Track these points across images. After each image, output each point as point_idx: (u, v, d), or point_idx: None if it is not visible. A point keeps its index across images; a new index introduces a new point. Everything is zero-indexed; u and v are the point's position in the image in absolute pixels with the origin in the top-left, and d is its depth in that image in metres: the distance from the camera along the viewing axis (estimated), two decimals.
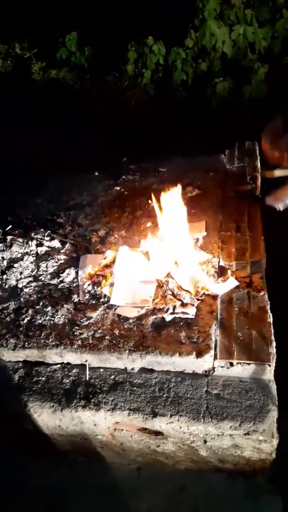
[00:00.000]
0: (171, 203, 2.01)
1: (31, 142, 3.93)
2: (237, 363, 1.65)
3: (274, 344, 1.67)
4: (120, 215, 2.57)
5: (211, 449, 1.64)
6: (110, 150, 3.48)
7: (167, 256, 2.01)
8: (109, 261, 2.19)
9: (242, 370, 1.66)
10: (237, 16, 4.07)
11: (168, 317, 1.83)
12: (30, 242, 2.38)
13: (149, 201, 2.63)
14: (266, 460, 1.65)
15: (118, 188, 2.84)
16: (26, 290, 2.15)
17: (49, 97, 5.09)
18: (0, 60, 6.34)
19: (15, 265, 2.28)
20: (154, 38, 4.64)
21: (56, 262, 2.28)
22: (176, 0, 4.76)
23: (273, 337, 1.70)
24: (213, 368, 1.69)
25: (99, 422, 1.68)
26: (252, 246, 2.13)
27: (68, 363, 1.85)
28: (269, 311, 1.80)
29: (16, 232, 2.47)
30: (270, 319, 1.76)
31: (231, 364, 1.66)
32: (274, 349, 1.66)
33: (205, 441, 1.61)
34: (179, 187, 2.00)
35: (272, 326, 1.74)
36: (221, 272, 2.01)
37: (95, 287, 2.07)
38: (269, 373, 1.64)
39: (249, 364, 1.64)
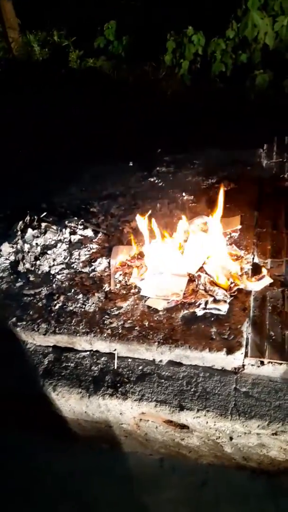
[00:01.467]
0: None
1: (66, 130, 3.95)
2: (268, 362, 1.63)
3: None
4: (153, 207, 2.56)
5: (236, 446, 1.63)
6: (145, 141, 3.46)
7: (201, 250, 2.00)
8: (141, 252, 2.19)
9: (273, 369, 1.63)
10: (281, 6, 3.95)
11: (199, 312, 1.82)
12: (63, 230, 2.41)
13: (183, 194, 2.61)
14: None
15: (152, 180, 2.83)
16: (58, 276, 2.18)
17: (86, 86, 5.10)
18: (38, 47, 6.39)
19: (49, 252, 2.31)
20: (194, 28, 4.56)
21: (89, 250, 2.29)
22: None
23: None
24: (243, 365, 1.67)
25: (125, 411, 1.69)
26: None
27: (97, 351, 1.87)
28: None
29: (51, 219, 2.50)
30: None
31: (262, 363, 1.64)
32: None
33: (231, 438, 1.60)
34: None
35: None
36: (256, 269, 1.98)
37: (126, 278, 2.08)
38: None
39: (280, 364, 1.62)
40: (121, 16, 5.80)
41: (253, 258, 2.04)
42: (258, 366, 1.65)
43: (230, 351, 1.66)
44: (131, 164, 3.07)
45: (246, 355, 1.65)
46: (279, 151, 2.82)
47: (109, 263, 2.19)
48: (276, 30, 4.06)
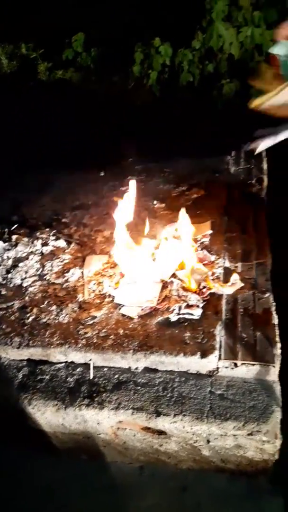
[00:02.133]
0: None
1: (36, 141, 3.94)
2: (242, 364, 1.65)
3: (278, 345, 1.68)
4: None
5: (214, 449, 1.65)
6: (116, 151, 3.49)
7: (173, 256, 2.02)
8: (114, 261, 2.20)
9: (246, 371, 1.66)
10: (245, 17, 4.07)
11: (173, 318, 1.84)
12: (35, 242, 2.40)
13: (155, 202, 2.64)
14: (269, 460, 1.65)
15: (124, 189, 2.84)
16: (31, 289, 2.16)
17: (56, 97, 5.11)
18: (6, 60, 6.37)
19: (20, 264, 2.29)
20: (161, 39, 4.65)
21: (61, 261, 2.29)
22: (184, 1, 4.77)
23: (277, 338, 1.70)
24: (217, 368, 1.70)
25: (103, 421, 1.68)
26: (258, 247, 2.13)
27: (72, 362, 1.86)
28: (274, 312, 1.81)
29: (22, 231, 2.49)
30: (275, 320, 1.77)
31: (235, 365, 1.67)
32: (279, 350, 1.66)
33: (208, 441, 1.61)
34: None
35: (276, 328, 1.74)
36: (227, 273, 2.02)
37: (100, 287, 2.08)
38: (273, 374, 1.64)
39: (253, 365, 1.65)
40: (89, 28, 5.86)
41: (224, 262, 2.07)
42: (232, 368, 1.67)
43: (204, 355, 1.68)
44: (102, 174, 3.09)
45: (220, 358, 1.68)
46: (246, 157, 2.89)
47: (82, 273, 2.19)
48: (240, 40, 4.18)
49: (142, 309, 1.91)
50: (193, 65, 4.56)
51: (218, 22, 4.08)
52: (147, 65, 4.93)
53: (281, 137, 1.75)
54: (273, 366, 1.63)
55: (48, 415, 1.72)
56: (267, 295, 1.89)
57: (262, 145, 1.78)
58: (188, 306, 1.86)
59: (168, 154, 3.23)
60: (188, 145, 3.36)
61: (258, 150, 1.74)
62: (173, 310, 1.87)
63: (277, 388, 1.63)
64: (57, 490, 1.91)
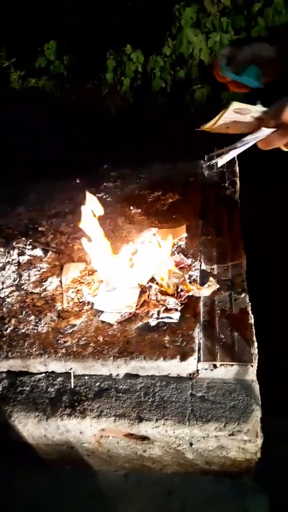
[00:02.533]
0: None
1: (10, 149, 3.92)
2: (220, 365, 1.67)
3: (256, 344, 1.70)
4: (102, 222, 2.57)
5: (197, 451, 1.66)
6: (91, 157, 3.50)
7: (149, 261, 2.03)
8: (92, 268, 2.20)
9: (226, 371, 1.68)
10: (213, 24, 4.15)
11: (152, 322, 1.85)
12: (11, 252, 2.38)
13: (131, 207, 2.66)
14: (251, 460, 1.67)
15: (100, 195, 2.85)
16: (8, 299, 2.14)
17: (28, 106, 5.09)
18: None
19: None
20: (132, 46, 4.70)
21: (39, 270, 2.27)
22: (153, 9, 4.83)
23: (254, 338, 1.73)
24: (197, 370, 1.71)
25: (85, 430, 1.67)
26: (233, 249, 2.17)
27: (52, 372, 1.85)
28: (250, 312, 1.84)
29: None
30: (252, 320, 1.80)
31: (215, 366, 1.68)
32: (256, 350, 1.69)
33: (191, 444, 1.62)
34: None
35: (253, 327, 1.77)
36: (203, 275, 2.04)
37: (79, 295, 2.08)
38: (251, 373, 1.66)
39: (232, 365, 1.67)
40: (61, 36, 5.87)
41: (200, 265, 2.10)
42: (212, 370, 1.69)
43: (183, 358, 1.69)
44: (78, 181, 3.08)
45: (199, 360, 1.69)
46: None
47: (60, 281, 2.18)
48: (210, 46, 4.26)
49: (121, 315, 1.91)
50: (165, 71, 4.63)
51: (187, 29, 4.15)
52: (119, 72, 4.97)
53: (239, 150, 1.76)
54: (251, 366, 1.65)
55: (29, 427, 1.70)
56: (243, 295, 1.92)
57: (224, 159, 1.78)
58: (167, 310, 1.88)
59: (143, 159, 3.26)
60: (162, 150, 3.39)
61: (220, 164, 1.74)
62: (152, 314, 1.87)
63: (256, 387, 1.65)
64: (42, 501, 1.90)
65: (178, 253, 2.20)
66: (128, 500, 1.85)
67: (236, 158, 2.90)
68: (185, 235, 2.29)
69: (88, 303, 2.02)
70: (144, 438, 1.66)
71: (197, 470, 1.81)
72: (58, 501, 1.89)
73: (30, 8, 6.50)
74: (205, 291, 1.94)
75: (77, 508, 1.87)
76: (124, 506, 1.85)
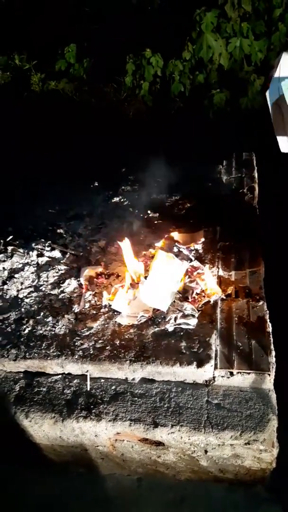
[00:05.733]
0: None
1: (30, 152, 3.95)
2: (237, 373, 1.67)
3: (273, 353, 1.69)
4: (119, 225, 2.59)
5: (212, 459, 1.65)
6: (109, 161, 3.51)
7: (167, 267, 2.03)
8: (109, 271, 2.21)
9: (242, 379, 1.67)
10: (233, 29, 4.14)
11: (169, 328, 1.85)
12: (30, 253, 2.40)
13: (148, 211, 2.66)
14: (266, 469, 1.66)
15: (118, 199, 2.87)
16: (27, 300, 2.16)
17: (48, 108, 5.14)
18: (0, 71, 6.41)
19: (16, 276, 2.29)
20: (152, 50, 4.71)
21: (57, 272, 2.29)
22: (174, 13, 4.84)
23: (272, 346, 1.72)
24: (214, 377, 1.70)
25: (100, 433, 1.68)
26: (251, 255, 2.16)
27: (69, 374, 1.86)
28: (268, 320, 1.82)
29: (17, 242, 2.49)
30: (270, 329, 1.79)
31: (231, 374, 1.68)
32: (274, 358, 1.68)
33: (206, 451, 1.61)
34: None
35: (271, 336, 1.76)
36: (221, 281, 2.03)
37: (96, 298, 2.09)
38: (268, 382, 1.65)
39: (249, 373, 1.66)
40: (81, 39, 5.92)
41: (218, 271, 2.09)
42: (228, 377, 1.68)
43: (200, 364, 1.69)
44: (96, 184, 3.10)
45: (216, 367, 1.69)
46: (237, 166, 2.93)
47: (78, 283, 2.19)
48: (229, 51, 4.24)
49: (138, 319, 1.92)
50: (184, 75, 4.62)
51: (207, 33, 4.14)
52: (139, 76, 4.99)
53: None
54: (269, 375, 1.64)
55: (45, 428, 1.72)
56: (261, 303, 1.91)
57: None
58: (184, 316, 1.88)
59: (161, 163, 3.26)
60: (180, 154, 3.38)
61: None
62: (169, 320, 1.87)
63: (273, 396, 1.64)
64: (55, 505, 1.90)
65: (195, 258, 2.19)
66: (140, 506, 1.85)
67: (255, 165, 2.89)
68: (203, 240, 2.29)
69: (105, 306, 2.03)
70: (158, 444, 1.66)
71: (211, 478, 1.80)
72: (70, 506, 1.90)
73: (51, 11, 6.58)
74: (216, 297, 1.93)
75: None
76: None
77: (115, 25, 5.67)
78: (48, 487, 1.91)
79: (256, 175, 2.79)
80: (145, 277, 2.04)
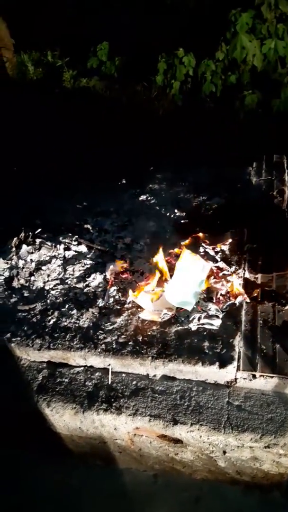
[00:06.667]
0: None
1: (60, 148, 4.01)
2: (260, 376, 1.66)
3: None
4: (145, 223, 2.60)
5: (230, 460, 1.65)
6: (138, 159, 3.53)
7: (192, 267, 2.03)
8: (134, 268, 2.22)
9: (265, 383, 1.66)
10: (268, 30, 4.09)
11: (192, 327, 1.85)
12: (58, 246, 2.44)
13: (175, 210, 2.67)
14: (285, 474, 1.64)
15: (145, 197, 2.88)
16: (52, 292, 2.20)
17: (80, 105, 5.19)
18: (32, 67, 6.51)
19: (43, 268, 2.33)
20: (185, 50, 4.70)
21: (83, 266, 2.32)
22: (208, 13, 4.82)
23: None
24: (236, 379, 1.70)
25: (120, 427, 1.70)
26: (278, 259, 2.13)
27: (91, 366, 1.89)
28: None
29: (45, 235, 2.53)
30: None
31: (254, 376, 1.67)
32: None
33: (225, 452, 1.61)
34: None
35: None
36: (247, 283, 2.02)
37: (120, 293, 2.11)
38: None
39: (272, 377, 1.64)
40: (114, 37, 5.96)
41: (244, 273, 2.08)
42: (250, 380, 1.67)
43: (222, 365, 1.68)
44: (124, 182, 3.13)
45: (238, 369, 1.68)
46: (267, 169, 2.90)
47: (103, 278, 2.21)
48: (264, 52, 4.20)
49: (161, 316, 1.92)
50: (216, 75, 4.60)
51: (242, 34, 4.11)
52: (170, 75, 4.99)
53: None
54: None
55: (66, 418, 1.75)
56: (287, 307, 1.89)
57: None
58: (208, 316, 1.87)
59: (190, 163, 3.26)
60: (209, 155, 3.37)
61: None
62: (193, 319, 1.88)
63: None
64: (72, 495, 1.93)
65: (220, 259, 2.19)
66: (156, 502, 1.86)
67: (286, 167, 2.85)
68: (229, 241, 2.28)
69: (129, 302, 2.05)
70: (177, 441, 1.67)
71: (227, 479, 1.79)
72: (86, 497, 1.93)
73: (84, 10, 6.65)
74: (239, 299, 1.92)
75: (104, 506, 1.89)
76: (151, 508, 1.86)
77: (148, 23, 5.69)
78: (65, 477, 1.94)
79: (286, 178, 2.75)
80: (171, 276, 2.05)
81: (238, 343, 1.77)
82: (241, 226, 2.39)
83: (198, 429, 1.59)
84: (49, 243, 2.45)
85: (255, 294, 1.99)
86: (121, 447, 1.82)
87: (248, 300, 1.96)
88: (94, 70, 5.93)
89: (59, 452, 1.98)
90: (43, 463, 1.96)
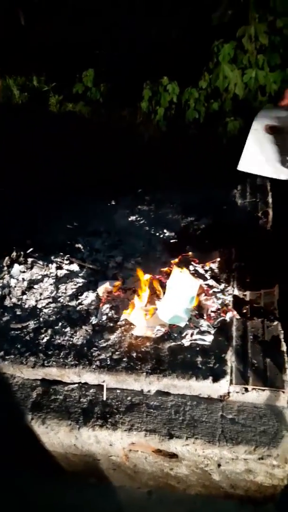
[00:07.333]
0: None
1: (48, 171, 4.08)
2: (252, 389, 1.71)
3: None
4: (136, 242, 2.67)
5: (224, 473, 1.67)
6: (126, 182, 3.62)
7: (182, 284, 2.09)
8: (126, 286, 2.27)
9: (257, 396, 1.71)
10: (249, 60, 4.32)
11: (185, 343, 1.90)
12: (50, 265, 2.47)
13: (164, 230, 2.75)
14: (278, 486, 1.68)
15: (134, 217, 2.96)
16: (45, 310, 2.22)
17: (66, 129, 5.31)
18: (18, 91, 6.64)
19: (35, 286, 2.36)
20: (169, 78, 4.90)
21: (75, 285, 2.36)
22: (191, 43, 5.06)
23: (287, 365, 1.76)
24: (229, 393, 1.74)
25: (115, 442, 1.71)
26: (265, 277, 2.22)
27: (85, 383, 1.91)
28: (282, 340, 1.87)
29: (37, 255, 2.57)
30: (284, 348, 1.83)
31: (246, 390, 1.72)
32: None
33: (219, 465, 1.64)
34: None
35: (286, 354, 1.80)
36: (236, 301, 2.09)
37: (113, 311, 2.14)
38: (283, 399, 1.69)
39: (263, 390, 1.70)
40: (99, 64, 6.16)
41: (233, 291, 2.15)
42: (243, 393, 1.72)
43: (215, 379, 1.73)
44: (113, 203, 3.20)
45: (231, 383, 1.73)
46: (252, 191, 3.02)
47: (95, 296, 2.25)
48: (245, 81, 4.41)
49: (154, 332, 1.97)
50: (199, 103, 4.80)
51: (224, 64, 4.32)
52: (155, 101, 5.17)
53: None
54: (283, 392, 1.68)
55: (61, 435, 1.75)
56: (275, 323, 1.96)
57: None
58: (200, 332, 1.93)
59: (177, 186, 3.36)
60: (195, 178, 3.49)
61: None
62: (185, 335, 1.93)
63: (287, 413, 1.68)
64: None
65: (210, 277, 2.26)
66: None
67: (269, 190, 2.98)
68: (218, 259, 2.36)
69: (123, 319, 2.09)
70: (172, 456, 1.69)
71: (221, 494, 1.81)
72: None
73: (69, 36, 6.87)
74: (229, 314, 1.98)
75: None
76: None
77: (132, 52, 5.91)
78: (59, 495, 1.93)
79: (270, 200, 2.87)
80: (162, 294, 2.11)
81: (230, 357, 1.82)
82: (229, 246, 2.48)
83: (193, 443, 1.62)
84: (41, 262, 2.48)
85: (245, 311, 2.06)
86: (115, 464, 1.83)
87: (238, 317, 2.03)
88: (80, 96, 6.09)
89: (54, 470, 1.97)
90: (37, 482, 1.94)
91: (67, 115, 5.92)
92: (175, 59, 5.15)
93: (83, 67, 6.15)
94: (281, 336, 1.88)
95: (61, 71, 6.37)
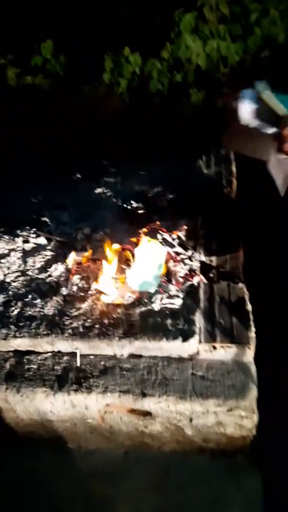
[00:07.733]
0: None
1: (9, 144, 3.97)
2: (220, 347, 1.78)
3: (253, 329, 1.82)
4: (103, 214, 2.67)
5: (196, 427, 1.76)
6: (90, 155, 3.58)
7: (151, 252, 2.13)
8: (95, 256, 2.29)
9: (225, 353, 1.79)
10: (211, 31, 4.30)
11: (156, 307, 1.95)
12: (16, 239, 2.45)
13: (132, 202, 2.76)
14: (247, 437, 1.78)
15: (101, 189, 2.95)
16: (14, 284, 2.21)
17: (25, 103, 5.15)
18: None
19: (2, 261, 2.33)
20: (131, 49, 4.81)
21: (43, 258, 2.35)
22: (152, 13, 4.97)
23: (252, 323, 1.85)
24: (198, 352, 1.82)
25: (91, 405, 1.76)
26: (230, 242, 2.29)
27: (59, 351, 1.93)
28: (247, 300, 1.95)
29: (2, 229, 2.53)
30: (249, 308, 1.92)
31: (214, 348, 1.79)
32: (254, 334, 1.81)
33: (191, 419, 1.72)
34: None
35: (251, 313, 1.89)
36: (203, 266, 2.15)
37: (83, 281, 2.16)
38: (249, 355, 1.78)
39: (230, 347, 1.78)
40: (58, 36, 5.95)
41: (200, 256, 2.21)
42: (211, 351, 1.80)
43: (185, 339, 1.79)
44: (78, 176, 3.17)
45: (200, 342, 1.80)
46: (216, 161, 3.06)
47: (65, 268, 2.26)
48: (207, 52, 4.40)
49: (125, 299, 2.00)
50: (162, 74, 4.75)
51: (186, 34, 4.28)
52: (117, 73, 5.08)
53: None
54: (249, 348, 1.77)
55: (37, 402, 1.78)
56: (240, 285, 2.04)
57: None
58: (169, 297, 1.98)
59: (142, 158, 3.36)
60: (160, 149, 3.49)
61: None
62: (155, 300, 1.97)
63: (253, 368, 1.77)
64: (43, 480, 1.96)
65: (178, 245, 2.30)
66: (126, 478, 1.93)
67: (232, 160, 3.03)
68: (185, 228, 2.40)
69: (93, 289, 2.11)
70: (146, 414, 1.76)
71: (194, 448, 1.90)
72: (59, 480, 1.96)
73: (28, 6, 6.57)
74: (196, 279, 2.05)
75: (77, 487, 1.93)
76: (123, 485, 1.93)
77: (93, 22, 5.74)
78: (36, 463, 1.96)
79: (234, 169, 2.93)
80: (131, 263, 2.14)
81: (199, 319, 1.89)
82: (195, 214, 2.53)
83: (166, 400, 1.69)
84: (6, 237, 2.45)
85: (211, 275, 2.13)
86: (92, 427, 1.88)
87: (205, 281, 2.09)
88: (39, 68, 5.89)
89: (30, 439, 2.00)
90: (13, 451, 1.97)
91: (27, 88, 5.73)
92: (136, 29, 5.05)
93: (41, 38, 5.93)
94: (246, 297, 1.97)
95: (19, 43, 6.12)
